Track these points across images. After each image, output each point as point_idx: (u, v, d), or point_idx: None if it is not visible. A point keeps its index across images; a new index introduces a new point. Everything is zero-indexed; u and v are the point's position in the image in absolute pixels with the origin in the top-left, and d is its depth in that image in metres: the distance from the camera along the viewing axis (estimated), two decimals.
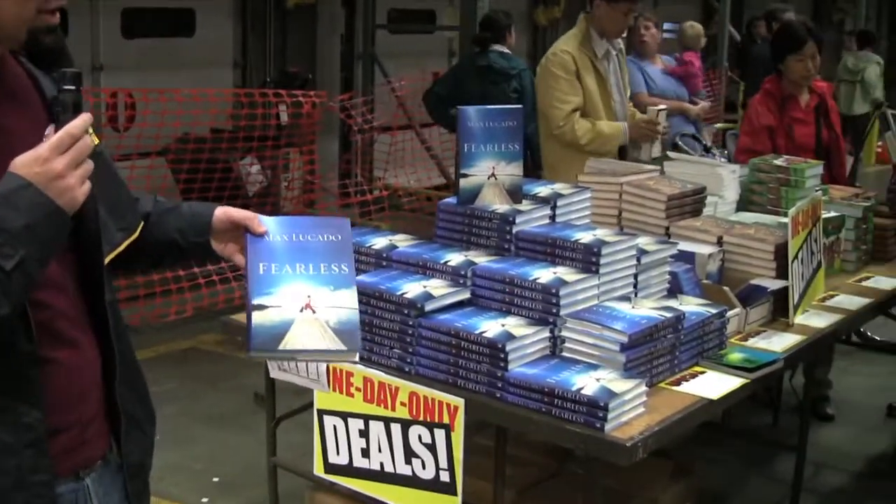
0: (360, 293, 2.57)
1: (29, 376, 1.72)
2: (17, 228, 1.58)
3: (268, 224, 1.93)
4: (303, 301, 1.80)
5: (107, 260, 1.89)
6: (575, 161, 4.53)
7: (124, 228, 1.97)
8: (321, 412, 2.95)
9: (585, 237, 2.84)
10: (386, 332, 2.81)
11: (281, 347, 1.76)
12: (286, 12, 10.53)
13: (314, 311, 1.78)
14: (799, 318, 3.35)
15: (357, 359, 1.84)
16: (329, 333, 1.77)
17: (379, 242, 3.11)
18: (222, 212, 2.01)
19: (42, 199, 1.61)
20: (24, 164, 1.62)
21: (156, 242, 2.06)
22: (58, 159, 1.62)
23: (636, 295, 2.89)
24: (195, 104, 7.50)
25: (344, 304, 1.82)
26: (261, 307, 1.77)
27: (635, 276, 2.90)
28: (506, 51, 7.22)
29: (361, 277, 2.91)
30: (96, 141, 1.88)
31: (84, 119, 1.65)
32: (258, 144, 7.93)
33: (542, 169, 5.33)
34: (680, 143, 6.34)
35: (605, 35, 5.08)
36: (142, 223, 2.02)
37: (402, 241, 3.13)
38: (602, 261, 2.77)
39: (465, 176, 3.04)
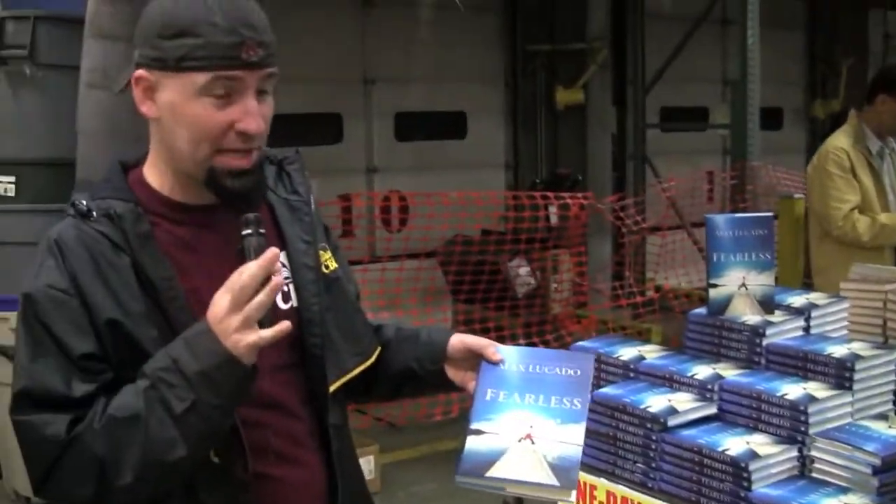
0: (604, 405, 2.57)
1: (243, 500, 1.78)
2: (191, 373, 1.65)
3: (506, 353, 1.92)
4: (523, 431, 1.76)
5: (338, 384, 1.94)
6: (847, 264, 4.36)
7: (359, 354, 2.00)
8: None
9: (839, 350, 2.72)
10: (630, 445, 2.77)
11: (489, 474, 1.73)
12: (556, 113, 10.69)
13: (533, 442, 1.74)
14: None
15: (572, 498, 1.74)
16: (545, 467, 1.73)
17: (627, 353, 3.08)
18: (458, 339, 2.02)
19: (217, 347, 1.65)
20: (210, 307, 1.69)
21: (395, 371, 2.09)
22: (222, 305, 1.66)
23: (895, 413, 2.72)
24: (464, 206, 7.71)
25: (568, 440, 1.76)
26: (478, 432, 1.76)
27: (894, 392, 2.74)
28: None
29: (607, 389, 2.89)
30: (333, 266, 1.97)
31: (259, 264, 1.67)
32: (527, 246, 8.03)
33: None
34: None
35: (881, 132, 4.93)
36: (378, 349, 2.05)
37: (651, 352, 3.09)
38: (856, 376, 2.63)
39: (714, 286, 2.98)
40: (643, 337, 7.78)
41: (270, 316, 1.69)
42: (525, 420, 1.78)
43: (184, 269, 1.80)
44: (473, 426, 1.78)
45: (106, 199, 1.81)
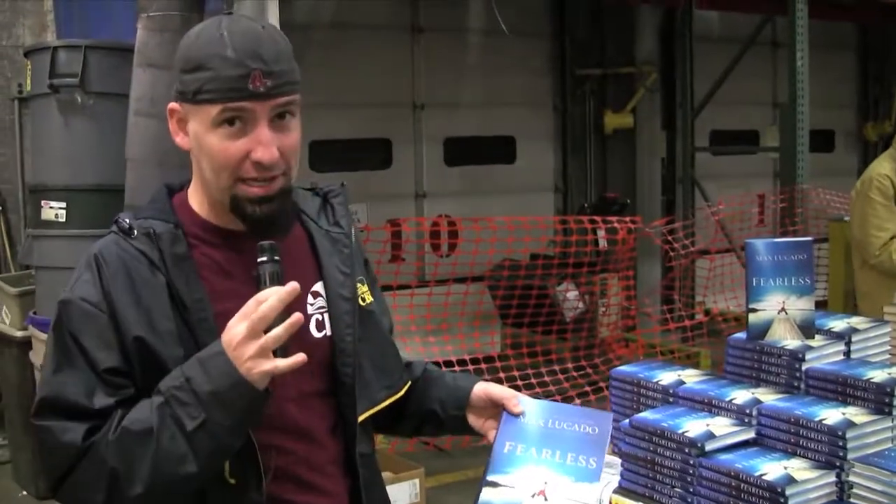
0: (642, 429, 2.56)
1: None
2: (203, 393, 1.69)
3: (527, 406, 1.95)
4: (538, 486, 1.80)
5: (366, 415, 1.97)
6: (891, 288, 4.33)
7: (388, 387, 2.04)
8: None
9: (879, 375, 2.68)
10: (668, 470, 2.75)
11: None
12: (605, 137, 10.69)
13: (546, 499, 1.78)
14: None
15: None
16: None
17: (667, 378, 3.07)
18: (482, 388, 2.06)
19: (229, 369, 1.69)
20: (225, 330, 1.73)
21: (418, 410, 2.13)
22: (238, 331, 1.70)
23: None
24: (512, 231, 7.73)
25: (580, 498, 1.80)
26: (494, 484, 1.80)
27: None
28: None
29: (645, 414, 2.87)
30: (369, 300, 2.00)
31: (280, 298, 1.70)
32: (575, 270, 8.02)
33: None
34: None
35: None
36: (408, 385, 2.09)
37: (691, 377, 3.07)
38: None
39: (753, 311, 2.96)
40: (692, 361, 7.73)
41: (286, 345, 1.72)
42: (540, 476, 1.82)
43: (216, 292, 1.85)
44: (489, 478, 1.81)
45: (148, 218, 1.88)
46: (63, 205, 5.39)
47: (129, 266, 1.81)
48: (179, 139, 1.88)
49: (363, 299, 2.03)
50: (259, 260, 1.77)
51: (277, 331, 1.69)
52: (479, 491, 1.78)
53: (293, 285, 1.73)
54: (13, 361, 6.16)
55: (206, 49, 1.80)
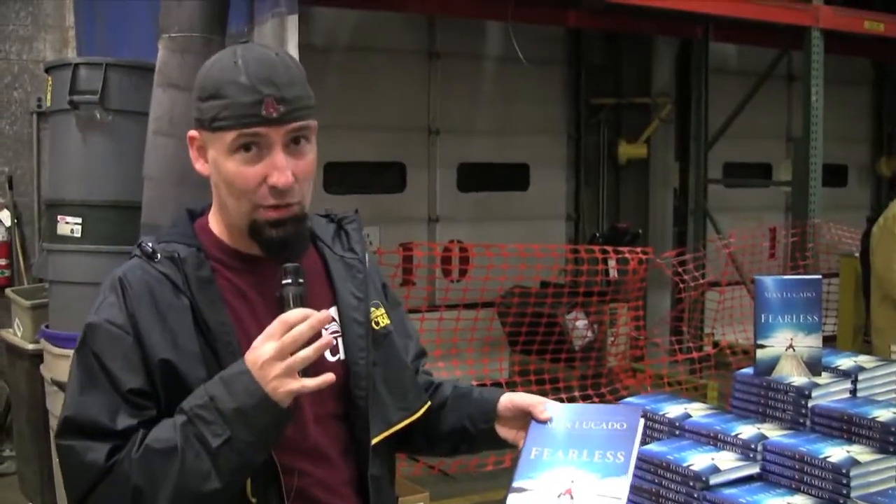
0: (648, 461, 2.58)
1: None
2: (228, 410, 1.72)
3: (554, 411, 1.95)
4: (563, 486, 1.79)
5: (381, 437, 1.99)
6: None
7: (404, 409, 2.06)
8: None
9: (884, 415, 2.70)
10: (672, 502, 2.77)
11: None
12: (619, 167, 10.71)
13: (572, 497, 1.77)
14: None
15: None
16: None
17: (673, 410, 3.08)
18: (508, 398, 2.08)
19: (254, 387, 1.73)
20: (249, 351, 1.77)
21: (450, 429, 2.15)
22: (264, 351, 1.74)
23: None
24: (523, 258, 7.75)
25: (609, 493, 1.79)
26: (520, 490, 1.80)
27: None
28: None
29: (651, 446, 2.89)
30: (384, 323, 2.03)
31: (311, 324, 1.75)
32: (585, 299, 8.04)
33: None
34: None
35: None
36: (427, 405, 2.12)
37: (697, 411, 3.09)
38: None
39: (761, 347, 2.98)
40: (699, 392, 7.73)
41: (306, 367, 1.76)
42: (566, 476, 1.81)
43: (237, 316, 1.88)
44: (515, 484, 1.81)
45: (171, 242, 1.91)
46: (79, 220, 5.42)
47: (152, 289, 1.84)
48: (199, 166, 1.92)
49: (377, 323, 2.06)
50: (284, 282, 1.82)
51: (307, 351, 1.73)
52: (506, 498, 1.79)
53: (326, 314, 1.78)
54: (24, 374, 6.18)
55: (220, 77, 1.84)
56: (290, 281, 1.81)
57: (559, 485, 1.80)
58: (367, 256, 2.12)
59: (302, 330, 1.73)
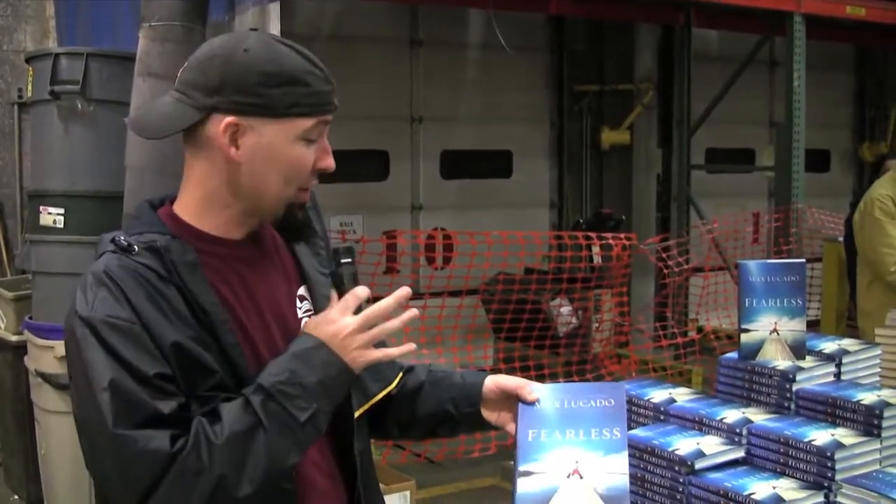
0: (633, 447, 2.59)
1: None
2: (311, 384, 1.75)
3: (539, 391, 1.96)
4: (570, 467, 1.79)
5: (361, 411, 2.01)
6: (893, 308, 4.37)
7: (380, 380, 2.09)
8: None
9: (868, 397, 2.71)
10: (658, 487, 2.78)
11: None
12: (602, 153, 10.73)
13: (582, 477, 1.78)
14: None
15: None
16: (597, 500, 1.76)
17: (658, 396, 3.09)
18: (492, 381, 2.09)
19: (333, 358, 1.78)
20: (316, 325, 1.82)
21: (429, 413, 2.15)
22: (346, 323, 1.80)
23: None
24: (507, 245, 7.75)
25: (614, 470, 1.80)
26: (527, 473, 1.80)
27: None
28: None
29: (636, 431, 2.90)
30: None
31: (395, 300, 1.85)
32: (569, 285, 8.05)
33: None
34: None
35: None
36: (399, 376, 2.14)
37: (682, 395, 3.10)
38: (885, 423, 2.62)
39: (746, 331, 2.99)
40: (684, 378, 7.76)
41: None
42: (570, 456, 1.81)
43: (223, 298, 1.87)
44: (521, 468, 1.80)
45: (143, 233, 1.86)
46: (61, 211, 5.39)
47: (138, 280, 1.79)
48: (232, 152, 1.86)
49: None
50: (343, 261, 1.92)
51: (394, 322, 1.83)
52: (515, 483, 1.79)
53: (406, 290, 1.87)
54: (8, 366, 6.16)
55: (294, 65, 1.90)
56: (349, 260, 1.92)
57: (565, 465, 1.80)
58: (325, 233, 2.16)
59: (388, 304, 1.82)
